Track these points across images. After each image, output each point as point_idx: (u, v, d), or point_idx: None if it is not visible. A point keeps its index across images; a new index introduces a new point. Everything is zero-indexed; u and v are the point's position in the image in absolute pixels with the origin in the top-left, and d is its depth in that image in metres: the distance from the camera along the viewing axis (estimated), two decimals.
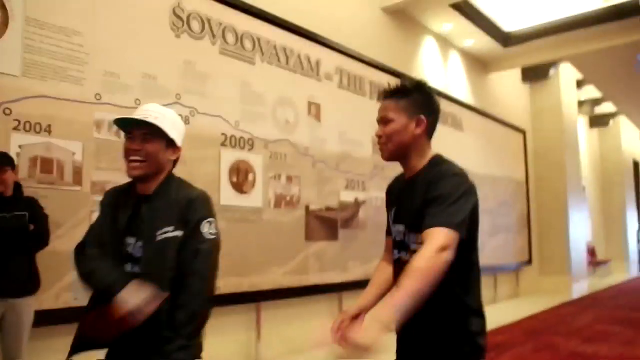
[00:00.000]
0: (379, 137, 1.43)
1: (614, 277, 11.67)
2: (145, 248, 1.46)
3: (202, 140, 3.56)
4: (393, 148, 1.41)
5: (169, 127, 1.51)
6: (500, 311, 6.70)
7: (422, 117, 1.42)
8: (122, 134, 3.36)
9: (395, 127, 1.40)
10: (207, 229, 1.48)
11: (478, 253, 1.44)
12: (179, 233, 1.46)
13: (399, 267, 1.41)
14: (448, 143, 6.54)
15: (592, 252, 11.51)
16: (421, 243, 1.26)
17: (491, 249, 7.30)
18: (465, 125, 7.03)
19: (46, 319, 2.66)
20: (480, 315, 1.40)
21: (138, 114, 1.50)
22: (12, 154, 2.63)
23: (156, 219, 1.47)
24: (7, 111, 2.66)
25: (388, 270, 1.54)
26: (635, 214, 14.81)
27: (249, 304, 3.84)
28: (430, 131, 1.45)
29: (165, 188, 1.53)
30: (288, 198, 4.18)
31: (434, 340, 1.37)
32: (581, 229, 9.69)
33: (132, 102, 3.17)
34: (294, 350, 4.11)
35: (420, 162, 1.44)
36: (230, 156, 3.76)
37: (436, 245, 1.20)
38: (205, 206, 1.51)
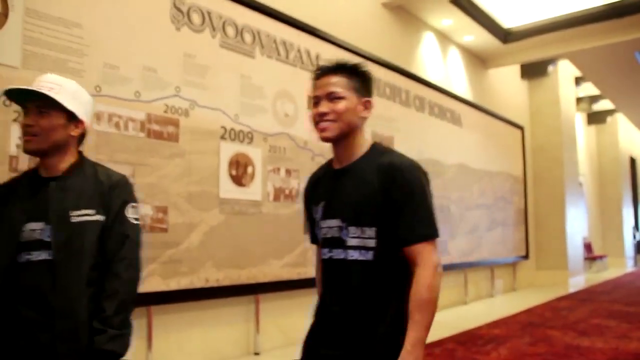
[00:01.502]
0: (324, 113, 1.29)
1: (610, 272, 11.74)
2: (56, 230, 1.34)
3: (201, 132, 3.57)
4: (343, 127, 1.29)
5: (68, 98, 1.37)
6: (496, 304, 6.76)
7: (371, 100, 1.34)
8: (121, 126, 3.34)
9: (349, 105, 1.29)
10: (131, 213, 1.43)
11: None
12: (100, 217, 1.37)
13: (332, 267, 1.32)
14: (447, 138, 6.57)
15: (588, 247, 11.57)
16: (374, 238, 1.24)
17: (488, 243, 7.34)
18: (464, 120, 7.05)
19: None
20: None
21: (32, 85, 1.36)
22: (12, 145, 2.64)
23: (69, 200, 1.36)
24: (7, 102, 2.65)
25: None
26: (631, 210, 14.88)
27: (248, 296, 3.86)
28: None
29: (78, 169, 1.42)
30: (287, 191, 4.19)
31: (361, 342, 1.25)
32: (578, 224, 9.74)
33: (131, 94, 3.17)
34: (292, 341, 4.14)
35: (360, 149, 1.33)
36: (229, 149, 3.77)
37: (433, 265, 1.22)
38: (128, 190, 1.45)
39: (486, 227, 7.32)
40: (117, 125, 3.06)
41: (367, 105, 1.33)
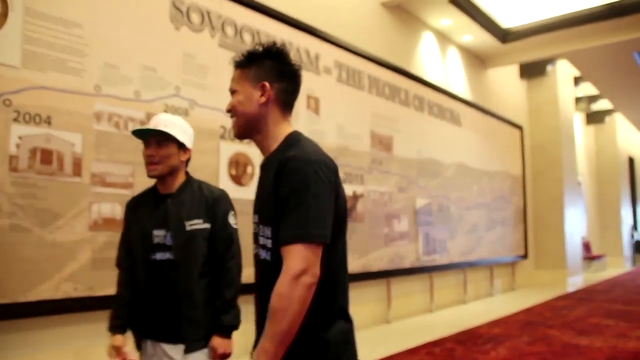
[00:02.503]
0: (229, 111, 1.26)
1: (608, 271, 11.77)
2: (175, 237, 1.72)
3: (201, 132, 3.56)
4: (240, 122, 1.23)
5: (179, 132, 1.75)
6: (496, 304, 6.77)
7: (266, 83, 1.22)
8: (121, 125, 3.38)
9: (239, 98, 1.23)
10: (232, 220, 1.85)
11: (341, 255, 1.20)
12: (207, 225, 1.77)
13: (256, 264, 1.24)
14: (446, 137, 6.58)
15: (587, 247, 11.60)
16: (270, 238, 1.15)
17: (488, 242, 7.36)
18: (463, 120, 7.06)
19: (46, 309, 2.68)
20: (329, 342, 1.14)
21: (151, 124, 1.76)
22: (12, 144, 2.64)
23: (182, 212, 1.74)
24: (7, 102, 2.66)
25: None
26: (630, 209, 14.91)
27: (248, 295, 3.86)
28: (284, 102, 1.25)
29: (188, 187, 1.81)
30: None
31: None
32: (576, 224, 9.76)
33: (131, 93, 3.17)
34: None
35: (274, 141, 1.22)
36: (229, 149, 3.77)
37: (291, 273, 1.05)
38: (228, 202, 1.86)
39: (485, 226, 7.34)
40: (117, 124, 3.06)
41: (263, 89, 1.21)
